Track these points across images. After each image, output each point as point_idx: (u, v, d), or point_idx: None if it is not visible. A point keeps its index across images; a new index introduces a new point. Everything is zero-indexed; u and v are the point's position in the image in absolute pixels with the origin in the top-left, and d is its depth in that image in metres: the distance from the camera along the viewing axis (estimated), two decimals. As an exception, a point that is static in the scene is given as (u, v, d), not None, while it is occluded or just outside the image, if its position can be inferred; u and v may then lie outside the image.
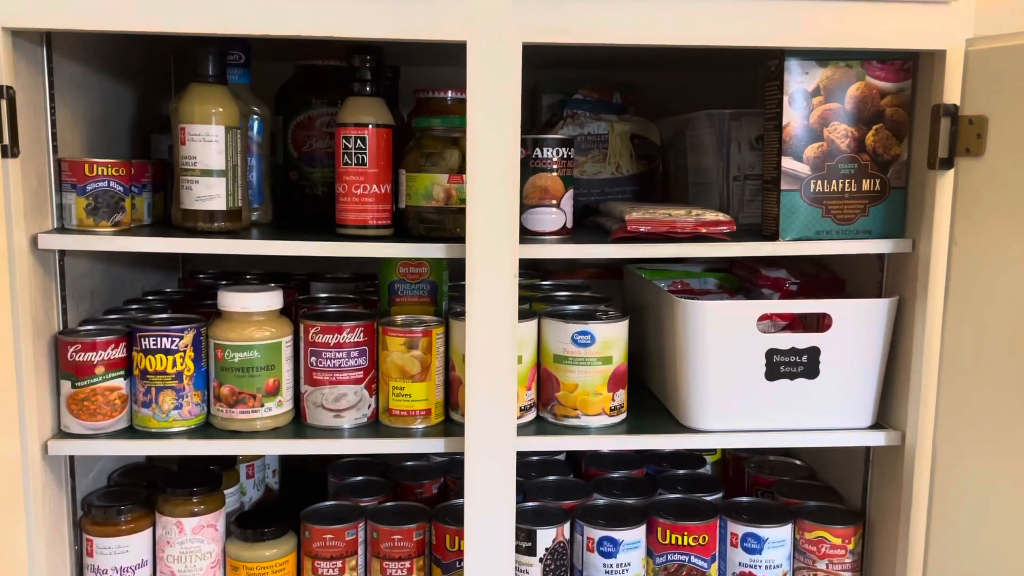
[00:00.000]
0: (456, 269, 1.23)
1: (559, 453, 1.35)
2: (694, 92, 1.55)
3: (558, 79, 1.46)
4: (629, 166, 1.38)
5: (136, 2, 0.90)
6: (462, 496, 1.21)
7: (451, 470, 1.32)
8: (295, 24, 0.92)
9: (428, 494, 1.29)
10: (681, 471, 1.32)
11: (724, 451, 1.39)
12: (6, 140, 0.90)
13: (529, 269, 1.50)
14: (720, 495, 1.25)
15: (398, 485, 1.28)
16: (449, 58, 1.35)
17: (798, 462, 1.36)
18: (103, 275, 1.20)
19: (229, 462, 1.24)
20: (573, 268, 1.49)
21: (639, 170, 1.40)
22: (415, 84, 1.31)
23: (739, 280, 1.34)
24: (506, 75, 0.95)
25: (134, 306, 1.23)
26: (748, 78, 1.57)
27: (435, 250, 1.03)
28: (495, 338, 0.99)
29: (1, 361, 0.90)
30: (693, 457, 1.37)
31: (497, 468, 1.01)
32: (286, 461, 1.42)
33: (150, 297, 1.31)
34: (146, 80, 1.37)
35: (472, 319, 0.99)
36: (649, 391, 1.23)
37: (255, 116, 1.21)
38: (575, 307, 1.17)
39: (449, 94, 1.22)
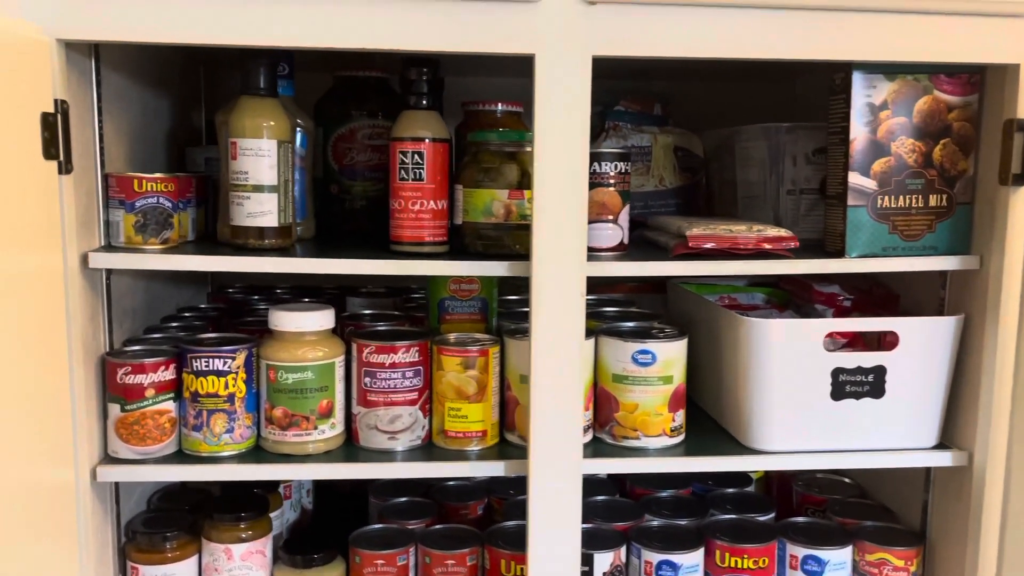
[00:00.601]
0: (504, 285, 1.21)
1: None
2: (727, 103, 1.53)
3: (594, 90, 1.44)
4: (672, 179, 1.36)
5: (196, 14, 0.87)
6: (508, 518, 1.19)
7: (495, 490, 1.29)
8: (361, 37, 0.90)
9: (473, 515, 1.26)
10: (729, 490, 1.30)
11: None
12: (61, 156, 0.87)
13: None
14: (772, 515, 1.23)
15: (442, 506, 1.25)
16: (495, 69, 1.33)
17: (847, 480, 1.34)
18: (143, 293, 1.16)
19: (272, 484, 1.21)
20: (613, 283, 1.47)
21: (682, 183, 1.37)
22: (459, 95, 1.28)
23: (787, 295, 1.32)
24: (576, 89, 0.92)
25: (173, 324, 1.19)
26: (781, 89, 1.55)
27: (496, 268, 1.00)
28: (561, 359, 0.96)
29: (57, 385, 0.86)
30: (738, 475, 1.34)
31: (562, 492, 0.98)
32: (320, 481, 1.38)
33: (187, 314, 1.27)
34: (180, 92, 1.33)
35: (538, 339, 0.96)
36: (700, 409, 1.21)
37: (299, 128, 1.18)
38: (630, 324, 1.14)
39: (499, 106, 1.20)
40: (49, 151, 0.82)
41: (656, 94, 1.44)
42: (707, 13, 0.92)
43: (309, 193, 1.21)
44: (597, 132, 1.37)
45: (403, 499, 1.25)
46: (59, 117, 0.85)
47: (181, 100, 1.34)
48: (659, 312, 1.26)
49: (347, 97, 1.27)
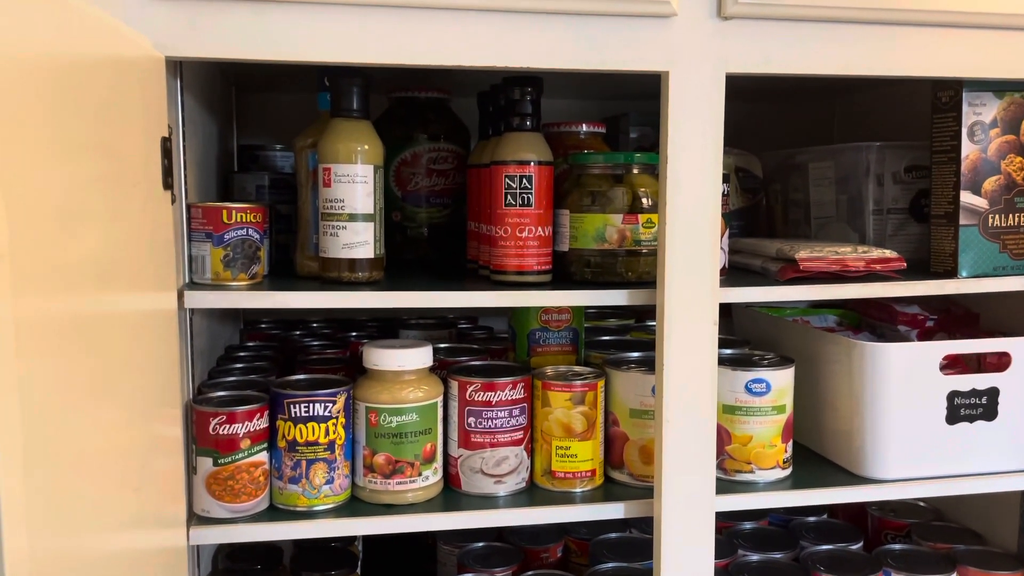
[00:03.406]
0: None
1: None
2: (768, 123, 1.52)
3: (644, 111, 1.40)
4: (736, 200, 1.33)
5: (323, 31, 0.80)
6: (594, 559, 1.13)
7: (570, 530, 1.22)
8: (493, 56, 0.84)
9: (553, 558, 1.19)
10: (811, 519, 1.27)
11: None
12: (170, 184, 0.78)
13: (609, 308, 1.43)
14: (861, 544, 1.20)
15: (520, 550, 1.18)
16: (558, 89, 1.29)
17: (921, 503, 1.32)
18: (207, 332, 1.07)
19: (349, 537, 1.12)
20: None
21: (744, 204, 1.34)
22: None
23: (857, 316, 1.30)
24: (710, 109, 0.88)
25: (237, 366, 1.10)
26: (820, 109, 1.55)
27: (616, 296, 0.94)
28: (695, 392, 0.91)
29: (172, 437, 0.77)
30: (811, 502, 1.31)
31: (696, 533, 0.93)
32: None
33: (241, 354, 1.18)
34: (220, 115, 1.24)
35: (670, 372, 0.91)
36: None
37: (371, 153, 1.11)
38: (729, 351, 1.10)
39: (583, 127, 1.14)
40: (167, 180, 0.74)
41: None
42: (845, 30, 0.89)
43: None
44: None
45: (480, 544, 1.18)
46: (170, 143, 0.77)
47: (221, 124, 1.25)
48: (747, 339, 1.22)
49: (408, 119, 1.20)
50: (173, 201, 0.79)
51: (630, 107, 1.42)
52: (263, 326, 1.40)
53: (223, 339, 1.23)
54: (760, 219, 1.37)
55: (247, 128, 1.43)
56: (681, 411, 0.91)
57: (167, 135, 0.75)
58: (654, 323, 1.31)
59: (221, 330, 1.22)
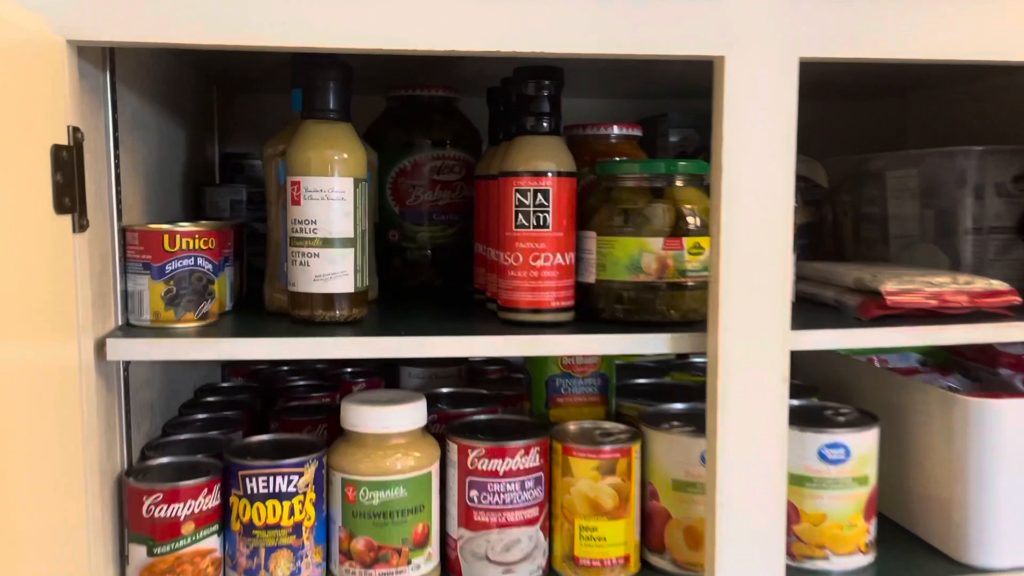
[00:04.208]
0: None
1: None
2: (826, 124, 1.32)
3: (687, 111, 1.21)
4: (797, 215, 1.13)
5: (290, 11, 0.62)
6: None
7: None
8: (496, 38, 0.65)
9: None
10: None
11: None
12: (76, 208, 0.60)
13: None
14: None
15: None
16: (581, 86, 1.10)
17: (1022, 577, 1.10)
18: (160, 378, 0.89)
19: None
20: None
21: (806, 219, 1.14)
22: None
23: (946, 354, 1.09)
24: (778, 103, 0.68)
25: (199, 416, 0.92)
26: (888, 107, 1.34)
27: (657, 343, 0.75)
28: (758, 463, 0.71)
29: (70, 523, 0.59)
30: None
31: (758, 646, 0.73)
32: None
33: (210, 399, 1.00)
34: (193, 119, 1.07)
35: (725, 438, 0.71)
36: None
37: (360, 162, 0.93)
38: (795, 402, 0.89)
39: (614, 129, 0.95)
40: (62, 201, 0.56)
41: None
42: (947, 4, 0.69)
43: (371, 244, 0.95)
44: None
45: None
46: (74, 152, 0.59)
47: (193, 129, 1.08)
48: (816, 386, 1.01)
49: (408, 122, 1.02)
50: (78, 227, 0.61)
51: (668, 107, 1.22)
52: (246, 360, 1.22)
53: (193, 380, 1.05)
54: (826, 237, 1.16)
55: (233, 134, 1.26)
56: (739, 487, 0.71)
57: (65, 143, 0.57)
58: (700, 359, 1.12)
59: (190, 371, 1.04)
